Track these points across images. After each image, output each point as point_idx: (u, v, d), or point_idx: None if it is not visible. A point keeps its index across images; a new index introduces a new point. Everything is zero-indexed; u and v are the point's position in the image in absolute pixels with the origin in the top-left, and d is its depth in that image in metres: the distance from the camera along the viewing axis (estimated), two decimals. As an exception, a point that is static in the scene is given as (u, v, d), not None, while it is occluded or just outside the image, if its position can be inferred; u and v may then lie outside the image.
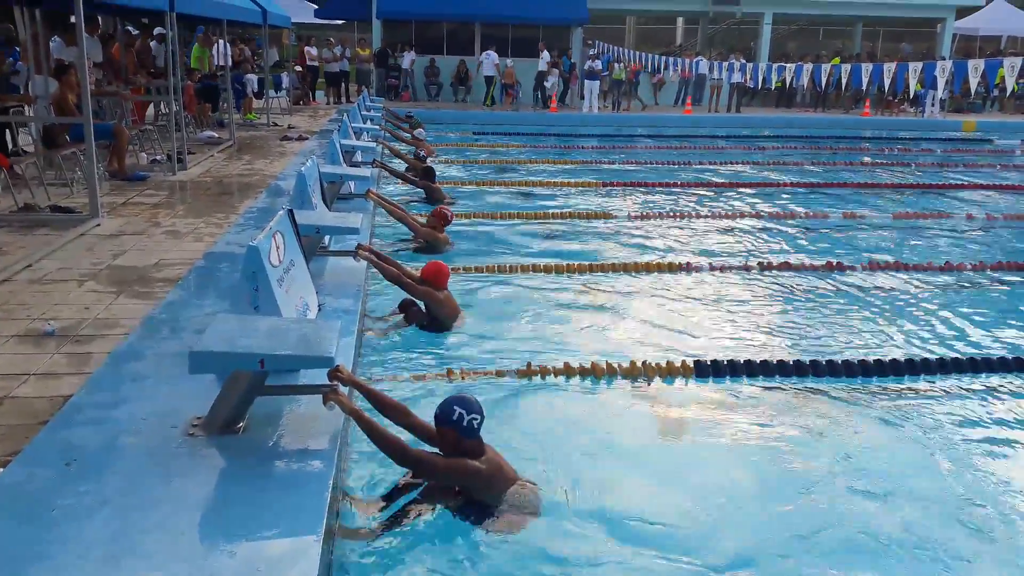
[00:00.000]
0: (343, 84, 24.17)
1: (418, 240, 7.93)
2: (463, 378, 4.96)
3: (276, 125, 16.82)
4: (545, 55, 24.16)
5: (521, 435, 4.38)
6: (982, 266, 8.00)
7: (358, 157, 10.65)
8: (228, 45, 16.25)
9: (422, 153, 12.45)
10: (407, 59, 24.83)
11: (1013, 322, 6.55)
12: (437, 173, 10.74)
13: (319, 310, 4.93)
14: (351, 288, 5.66)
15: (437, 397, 3.93)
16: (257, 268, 4.01)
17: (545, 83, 24.01)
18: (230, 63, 15.91)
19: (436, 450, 3.60)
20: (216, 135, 13.93)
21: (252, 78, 18.72)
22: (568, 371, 5.14)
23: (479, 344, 5.63)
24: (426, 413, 3.74)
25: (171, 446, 3.36)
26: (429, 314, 5.79)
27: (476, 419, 3.51)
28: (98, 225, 7.36)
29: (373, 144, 11.40)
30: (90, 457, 3.24)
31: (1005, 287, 7.54)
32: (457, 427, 3.49)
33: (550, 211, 10.08)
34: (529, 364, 5.16)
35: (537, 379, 5.05)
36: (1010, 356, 5.54)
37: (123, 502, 2.96)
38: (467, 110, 23.03)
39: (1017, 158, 17.50)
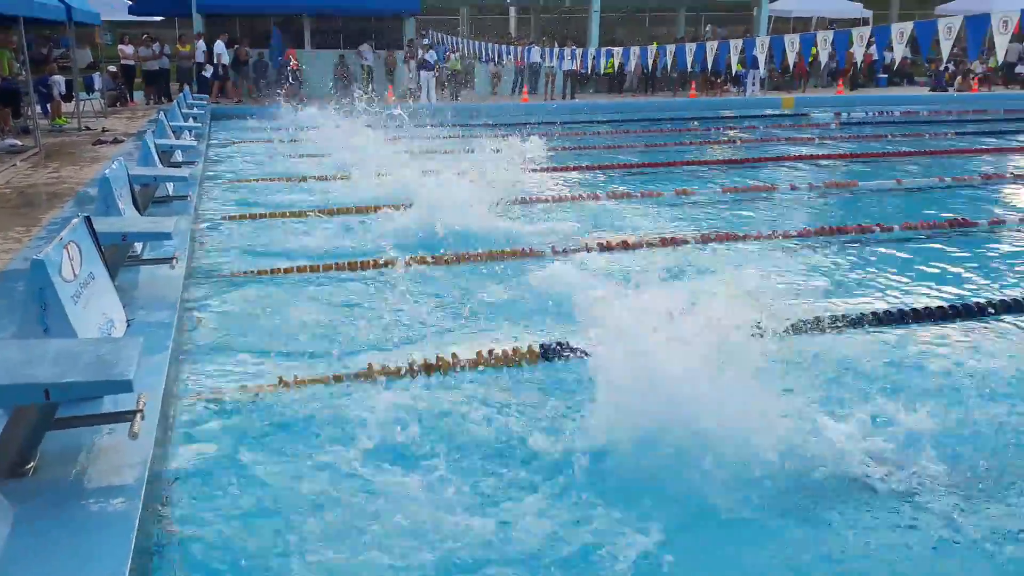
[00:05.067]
0: (163, 83, 22.82)
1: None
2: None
3: (89, 129, 15.63)
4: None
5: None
6: (807, 232, 8.34)
7: (178, 157, 10.00)
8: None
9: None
10: (220, 48, 23.48)
11: (829, 282, 6.85)
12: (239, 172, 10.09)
13: (128, 326, 4.48)
14: (167, 299, 5.20)
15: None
16: (44, 284, 3.57)
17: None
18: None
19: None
20: (19, 143, 12.76)
21: (59, 80, 17.34)
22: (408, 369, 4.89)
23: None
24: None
25: (-58, 498, 2.89)
26: None
27: None
28: None
29: (194, 143, 10.71)
30: None
31: (827, 251, 7.87)
32: None
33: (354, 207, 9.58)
34: (370, 365, 4.88)
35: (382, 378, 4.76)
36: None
37: None
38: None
39: (832, 130, 18.58)
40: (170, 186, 8.40)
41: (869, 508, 3.49)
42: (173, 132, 11.27)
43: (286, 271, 6.90)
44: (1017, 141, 15.92)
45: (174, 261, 5.57)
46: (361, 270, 6.98)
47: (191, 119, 14.23)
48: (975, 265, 7.43)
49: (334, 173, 11.63)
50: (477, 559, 3.13)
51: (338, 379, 4.72)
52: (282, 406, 4.39)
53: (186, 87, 21.93)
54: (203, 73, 23.18)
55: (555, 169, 12.67)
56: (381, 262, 7.08)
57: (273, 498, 3.51)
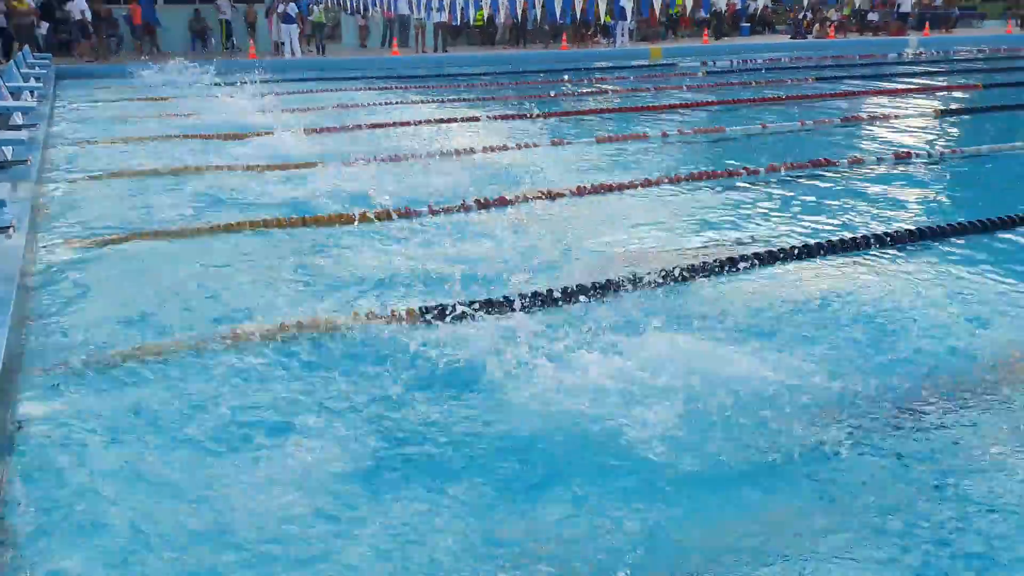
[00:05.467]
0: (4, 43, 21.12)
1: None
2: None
3: (-86, 93, 14.25)
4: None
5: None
6: (678, 179, 8.44)
7: (17, 119, 9.24)
8: None
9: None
10: (77, 6, 21.95)
11: (697, 225, 6.96)
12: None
13: (-43, 303, 4.06)
14: (5, 271, 4.75)
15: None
16: None
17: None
18: None
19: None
20: None
21: None
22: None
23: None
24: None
25: None
26: None
27: None
28: None
29: (35, 104, 9.91)
30: None
31: (700, 193, 7.99)
32: None
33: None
34: (234, 330, 4.60)
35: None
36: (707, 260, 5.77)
37: None
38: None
39: (699, 79, 18.95)
40: (8, 150, 7.72)
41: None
42: (11, 93, 10.40)
43: (142, 236, 6.45)
44: (871, 85, 16.65)
45: (11, 230, 5.10)
46: (224, 233, 6.61)
47: (32, 79, 13.21)
48: (836, 202, 7.69)
49: (191, 132, 11.02)
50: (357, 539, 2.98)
51: (200, 345, 4.43)
52: (141, 379, 4.08)
53: (26, 47, 20.35)
54: (37, 30, 21.55)
55: (431, 122, 12.44)
56: (246, 224, 6.74)
57: (132, 484, 3.22)
